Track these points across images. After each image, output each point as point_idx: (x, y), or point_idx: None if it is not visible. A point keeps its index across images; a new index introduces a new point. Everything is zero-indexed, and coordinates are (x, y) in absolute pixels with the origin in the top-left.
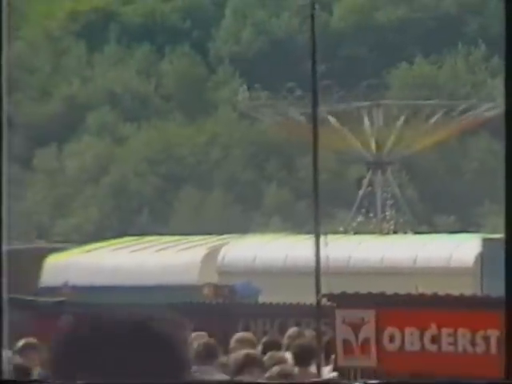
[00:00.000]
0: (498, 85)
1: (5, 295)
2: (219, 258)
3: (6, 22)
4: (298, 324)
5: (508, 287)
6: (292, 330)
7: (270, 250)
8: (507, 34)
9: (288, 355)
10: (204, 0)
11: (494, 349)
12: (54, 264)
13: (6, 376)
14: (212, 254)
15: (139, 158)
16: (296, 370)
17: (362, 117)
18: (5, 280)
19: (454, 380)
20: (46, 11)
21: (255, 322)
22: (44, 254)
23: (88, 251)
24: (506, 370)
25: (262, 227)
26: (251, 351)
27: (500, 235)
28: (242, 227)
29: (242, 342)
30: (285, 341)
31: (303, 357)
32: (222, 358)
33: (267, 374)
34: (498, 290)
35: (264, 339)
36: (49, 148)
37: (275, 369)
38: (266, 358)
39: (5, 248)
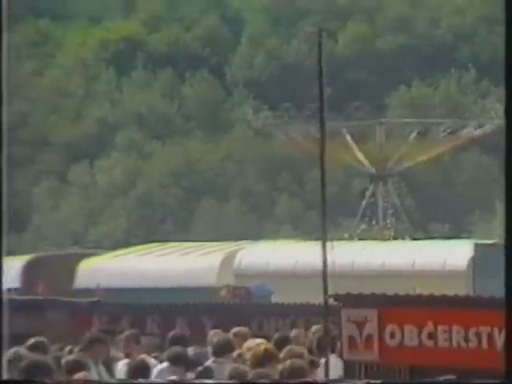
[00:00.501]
0: (487, 105)
1: (4, 296)
2: (235, 262)
3: (5, 22)
4: (307, 322)
5: (508, 288)
6: (315, 327)
7: (281, 255)
8: (507, 41)
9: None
10: (222, 29)
11: (485, 344)
12: (87, 268)
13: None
14: (229, 259)
15: (163, 172)
16: (307, 363)
17: (366, 134)
18: (4, 281)
19: (454, 380)
20: (79, 40)
21: (268, 320)
22: (78, 259)
23: (117, 256)
24: (506, 370)
25: (274, 234)
26: (269, 346)
27: (490, 241)
28: (256, 234)
29: (238, 336)
30: (310, 335)
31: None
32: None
33: (280, 367)
34: (489, 290)
35: (276, 336)
36: (82, 164)
37: (288, 362)
38: (282, 352)
39: (43, 254)
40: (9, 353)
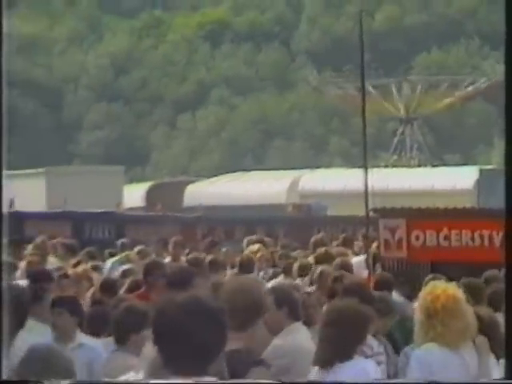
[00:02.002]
0: (488, 65)
1: (4, 297)
2: (299, 185)
3: (5, 22)
4: (353, 230)
5: (508, 290)
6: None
7: (334, 180)
8: (507, 31)
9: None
10: (287, 12)
11: (486, 243)
12: (192, 191)
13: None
14: (294, 183)
15: (245, 119)
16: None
17: (396, 88)
18: (4, 284)
19: (454, 380)
20: (183, 23)
21: (325, 228)
22: (185, 184)
23: (213, 182)
24: (506, 370)
25: (328, 165)
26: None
27: (490, 166)
28: (315, 165)
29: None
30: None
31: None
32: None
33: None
34: (490, 204)
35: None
36: (186, 114)
37: (339, 259)
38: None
39: (160, 181)
40: (121, 255)
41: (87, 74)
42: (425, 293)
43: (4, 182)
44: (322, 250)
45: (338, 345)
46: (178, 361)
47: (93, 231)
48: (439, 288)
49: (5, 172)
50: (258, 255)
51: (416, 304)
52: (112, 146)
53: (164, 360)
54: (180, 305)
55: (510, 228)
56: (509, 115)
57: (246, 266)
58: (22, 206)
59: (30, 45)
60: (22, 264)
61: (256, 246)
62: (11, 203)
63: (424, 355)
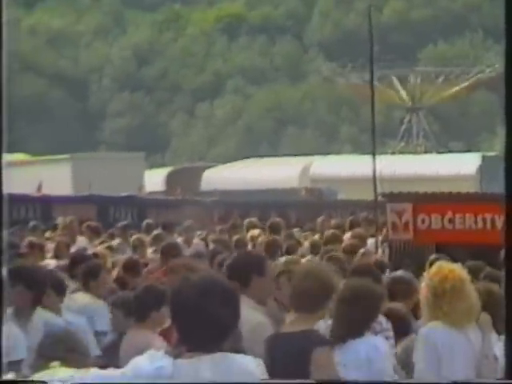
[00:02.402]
0: (491, 57)
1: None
2: (311, 171)
3: (5, 21)
4: (362, 213)
5: (508, 292)
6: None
7: (343, 166)
8: (507, 28)
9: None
10: (299, 7)
11: (488, 226)
12: (209, 176)
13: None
14: (306, 169)
15: (260, 108)
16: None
17: (403, 79)
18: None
19: (456, 380)
20: (201, 17)
21: (335, 211)
22: (203, 170)
23: (229, 167)
24: (506, 371)
25: (338, 151)
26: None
27: (493, 153)
28: (325, 151)
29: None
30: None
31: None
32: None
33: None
34: (492, 189)
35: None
36: (204, 103)
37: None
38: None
39: (179, 167)
40: (154, 232)
41: (111, 65)
42: (432, 273)
43: (33, 167)
44: (330, 231)
45: (352, 322)
46: (194, 338)
47: (116, 214)
48: (446, 269)
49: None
50: (259, 240)
51: (422, 284)
52: (134, 133)
53: (181, 337)
54: (196, 284)
55: (510, 212)
56: (509, 105)
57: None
58: (49, 190)
59: (57, 38)
60: (51, 245)
61: (256, 231)
62: (39, 187)
63: (429, 333)
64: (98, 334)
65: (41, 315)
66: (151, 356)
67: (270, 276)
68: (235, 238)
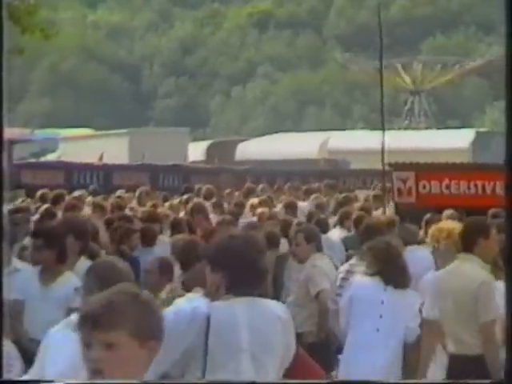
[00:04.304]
0: (482, 47)
1: (5, 297)
2: (329, 143)
3: (5, 22)
4: (372, 180)
5: (508, 295)
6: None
7: (356, 140)
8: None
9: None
10: (318, 4)
11: (480, 191)
12: (243, 148)
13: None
14: (325, 142)
15: (285, 91)
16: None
17: (407, 66)
18: (5, 284)
19: (452, 381)
20: (236, 13)
21: (349, 178)
22: (237, 142)
23: (258, 141)
24: (506, 371)
25: (352, 128)
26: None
27: (484, 129)
28: (341, 128)
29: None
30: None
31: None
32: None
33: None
34: (483, 160)
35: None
36: (238, 86)
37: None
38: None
39: (216, 140)
40: (185, 194)
41: (160, 54)
42: (436, 228)
43: (96, 140)
44: (342, 194)
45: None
46: (239, 284)
47: (165, 180)
48: (445, 224)
49: (95, 132)
50: (259, 211)
51: (429, 234)
52: (179, 111)
53: (228, 284)
54: (240, 238)
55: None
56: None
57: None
58: (109, 159)
59: (116, 32)
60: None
61: (256, 200)
62: (101, 157)
63: (436, 280)
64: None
65: (84, 263)
66: (190, 298)
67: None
68: (250, 201)
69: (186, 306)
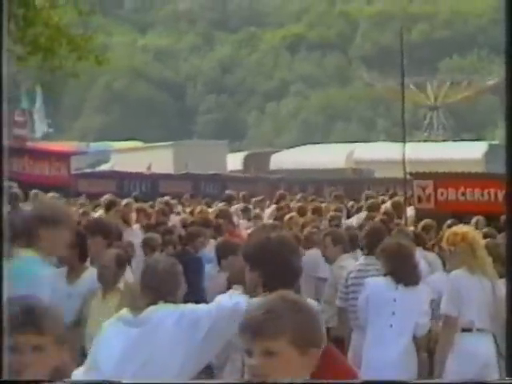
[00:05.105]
0: (495, 68)
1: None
2: (355, 154)
3: (5, 23)
4: (394, 188)
5: (508, 297)
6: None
7: (379, 151)
8: (507, 32)
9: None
10: (346, 29)
11: (492, 199)
12: (276, 159)
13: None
14: (351, 153)
15: (316, 106)
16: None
17: (426, 84)
18: (5, 283)
19: (458, 381)
20: (271, 37)
21: (373, 186)
22: (271, 154)
23: (291, 152)
24: (507, 371)
25: (376, 140)
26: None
27: (496, 142)
28: (366, 140)
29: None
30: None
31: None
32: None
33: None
34: (495, 170)
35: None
36: (273, 103)
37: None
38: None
39: (253, 151)
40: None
41: (202, 74)
42: (451, 232)
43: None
44: (370, 200)
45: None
46: (274, 282)
47: (206, 188)
48: (461, 230)
49: (144, 145)
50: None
51: (444, 240)
52: (219, 126)
53: (264, 282)
54: (275, 239)
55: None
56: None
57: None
58: (156, 169)
59: (162, 54)
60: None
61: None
62: (149, 167)
63: (453, 279)
64: None
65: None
66: (231, 294)
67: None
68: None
69: (227, 302)
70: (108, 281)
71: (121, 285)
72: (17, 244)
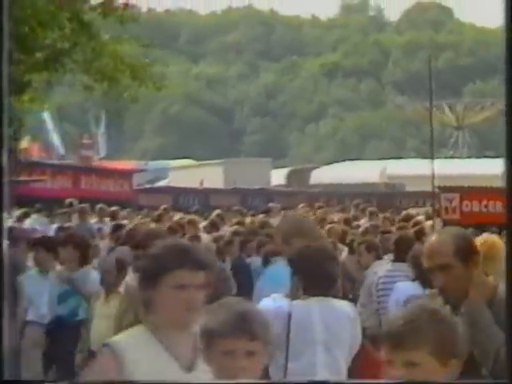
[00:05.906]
0: None
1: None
2: (387, 170)
3: (6, 24)
4: (424, 201)
5: (508, 297)
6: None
7: (409, 167)
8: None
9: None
10: (378, 56)
11: None
12: (316, 174)
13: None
14: (384, 169)
15: (351, 127)
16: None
17: (452, 106)
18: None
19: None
20: (310, 64)
21: (404, 199)
22: (311, 169)
23: (329, 168)
24: (508, 371)
25: (406, 157)
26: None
27: None
28: (397, 157)
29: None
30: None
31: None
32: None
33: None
34: None
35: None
36: (312, 124)
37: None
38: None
39: (294, 167)
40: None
41: (249, 99)
42: (480, 241)
43: (197, 169)
44: (403, 212)
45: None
46: (313, 286)
47: (252, 201)
48: (490, 238)
49: (197, 162)
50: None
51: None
52: (264, 145)
53: (304, 286)
54: (314, 249)
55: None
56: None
57: None
58: (208, 185)
59: (213, 81)
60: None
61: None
62: (201, 183)
63: None
64: None
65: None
66: (274, 298)
67: None
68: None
69: (270, 305)
70: (110, 284)
71: (121, 288)
72: None
